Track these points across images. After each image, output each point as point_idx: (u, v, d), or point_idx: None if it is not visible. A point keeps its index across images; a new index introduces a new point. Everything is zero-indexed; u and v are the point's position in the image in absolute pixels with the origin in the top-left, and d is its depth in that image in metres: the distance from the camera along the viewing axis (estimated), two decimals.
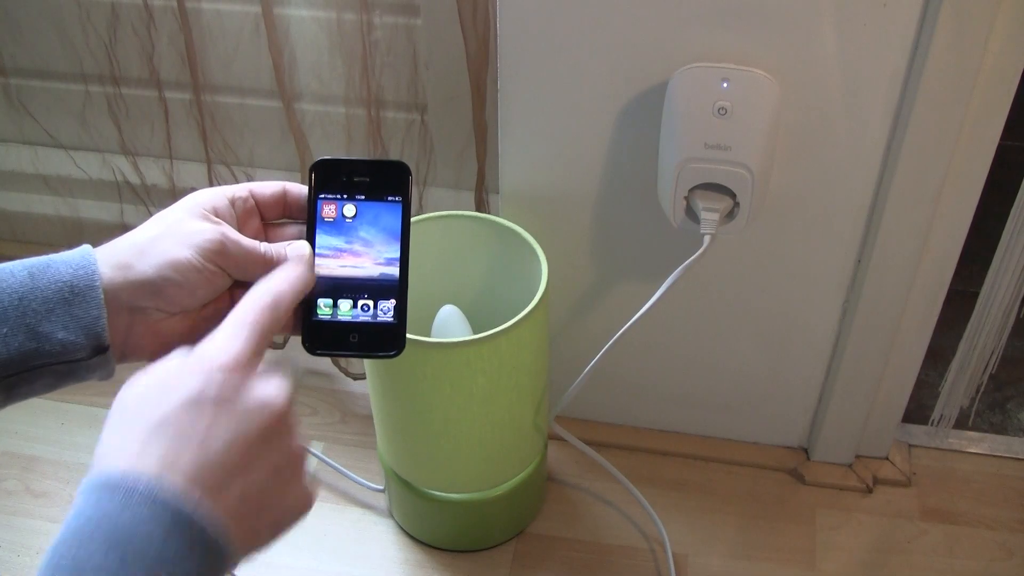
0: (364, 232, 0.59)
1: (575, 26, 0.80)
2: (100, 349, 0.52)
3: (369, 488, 1.05)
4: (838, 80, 0.79)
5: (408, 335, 0.80)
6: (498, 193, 0.94)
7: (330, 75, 1.07)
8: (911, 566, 0.99)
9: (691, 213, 0.83)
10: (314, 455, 1.09)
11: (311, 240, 0.59)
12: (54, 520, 1.03)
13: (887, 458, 1.07)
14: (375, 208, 0.60)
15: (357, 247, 0.59)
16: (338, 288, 0.59)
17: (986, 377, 1.04)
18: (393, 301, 0.59)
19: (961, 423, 1.10)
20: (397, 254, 0.59)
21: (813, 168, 0.84)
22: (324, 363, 1.18)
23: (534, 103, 0.86)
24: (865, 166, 0.84)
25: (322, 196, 0.59)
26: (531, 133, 0.88)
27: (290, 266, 0.56)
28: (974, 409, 1.10)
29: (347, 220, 0.60)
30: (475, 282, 0.97)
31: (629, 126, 0.85)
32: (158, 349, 0.55)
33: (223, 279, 0.56)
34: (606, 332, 0.90)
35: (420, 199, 1.13)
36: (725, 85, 0.77)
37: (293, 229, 0.61)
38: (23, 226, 1.33)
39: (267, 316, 0.52)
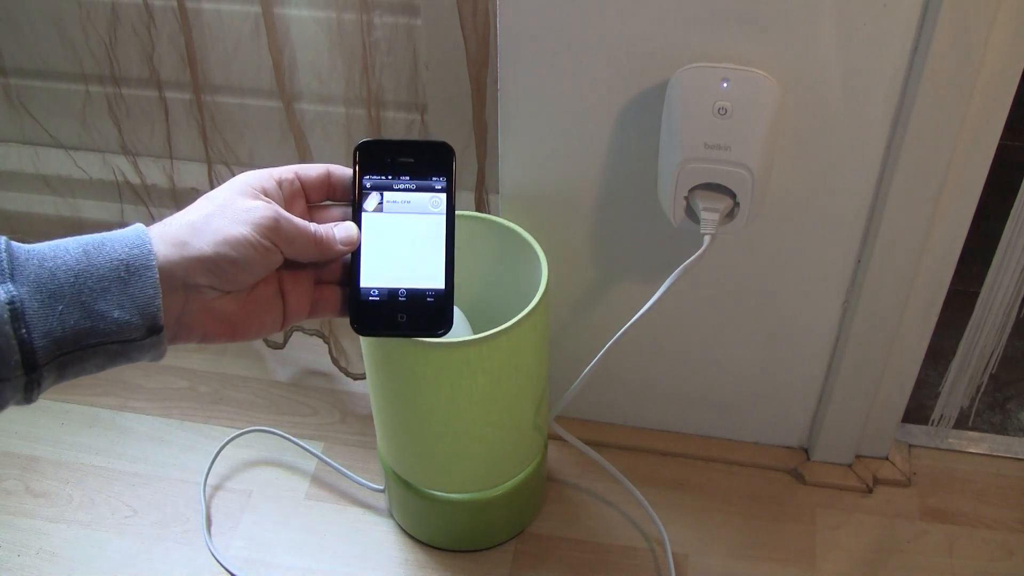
0: (409, 212, 0.59)
1: (575, 26, 0.80)
2: (155, 329, 0.52)
3: (369, 488, 1.05)
4: (838, 80, 0.79)
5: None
6: (498, 193, 0.94)
7: (330, 75, 1.07)
8: (911, 566, 0.99)
9: (691, 213, 0.83)
10: (314, 455, 1.09)
11: (357, 221, 0.59)
12: (54, 520, 1.03)
13: (887, 458, 1.07)
14: (420, 188, 0.60)
15: (403, 227, 0.59)
16: (384, 269, 0.59)
17: (986, 377, 1.04)
18: (440, 280, 0.59)
19: (961, 423, 1.10)
20: (443, 233, 0.59)
21: (813, 168, 0.84)
22: (324, 363, 1.18)
23: (534, 103, 0.86)
24: (865, 166, 0.84)
25: (367, 177, 0.59)
26: (531, 133, 0.88)
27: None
28: (974, 409, 1.10)
29: (392, 201, 0.60)
30: (475, 282, 0.97)
31: (629, 126, 0.85)
32: (209, 330, 0.56)
33: (276, 256, 0.57)
34: (606, 332, 0.90)
35: None
36: (725, 85, 0.77)
37: (337, 211, 0.62)
38: (23, 226, 1.33)
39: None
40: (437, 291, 0.59)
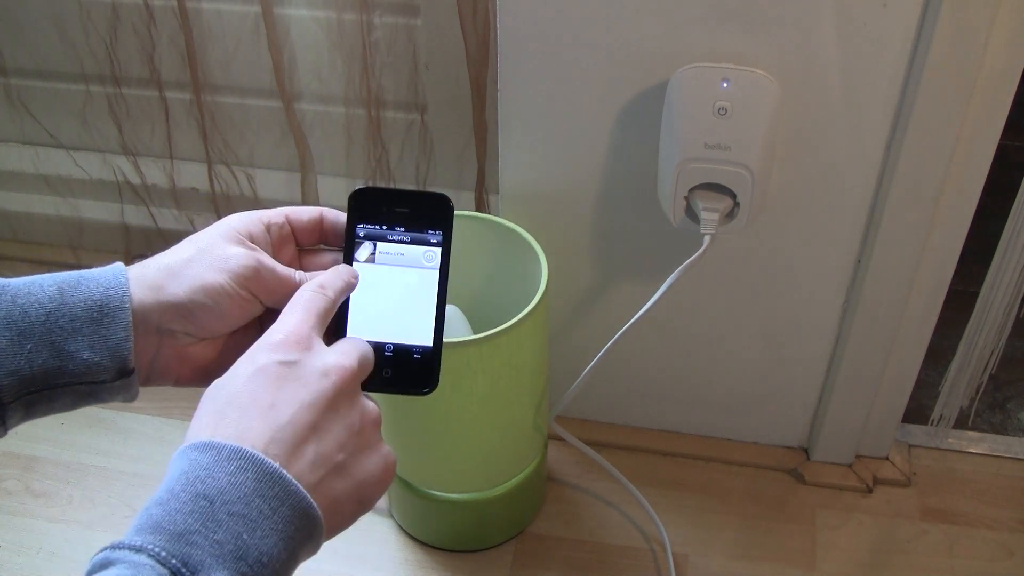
0: (402, 265, 0.58)
1: (575, 26, 0.80)
2: (125, 372, 0.51)
3: None
4: (838, 80, 0.79)
5: None
6: (498, 193, 0.94)
7: (330, 75, 1.07)
8: (911, 566, 0.99)
9: (691, 213, 0.83)
10: None
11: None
12: (54, 520, 1.03)
13: (887, 458, 1.07)
14: (414, 241, 0.58)
15: (394, 280, 0.58)
16: (371, 322, 0.57)
17: (986, 377, 1.04)
18: (429, 337, 0.57)
19: (961, 423, 1.10)
20: (435, 289, 0.57)
21: (813, 168, 0.84)
22: None
23: (534, 103, 0.86)
24: (865, 166, 0.84)
25: (361, 225, 0.58)
26: (531, 133, 0.88)
27: (333, 268, 0.56)
28: (974, 409, 1.10)
29: (385, 253, 0.58)
30: (475, 282, 0.97)
31: (629, 126, 0.85)
32: (184, 375, 0.55)
33: (255, 306, 0.55)
34: (606, 332, 0.90)
35: None
36: (725, 85, 0.77)
37: (328, 257, 0.59)
38: (23, 226, 1.33)
39: (316, 296, 0.52)
40: (424, 348, 0.57)
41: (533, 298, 0.84)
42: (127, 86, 1.16)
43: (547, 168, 0.90)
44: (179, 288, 0.52)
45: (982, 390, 1.05)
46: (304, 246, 0.60)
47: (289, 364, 0.49)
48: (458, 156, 1.12)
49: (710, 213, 0.81)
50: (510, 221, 0.91)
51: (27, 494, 1.05)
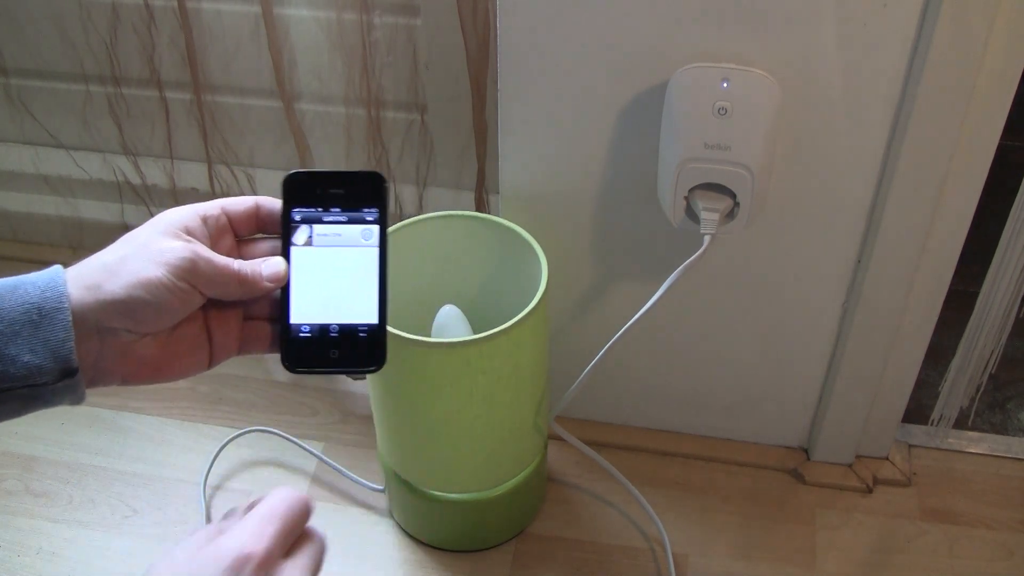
0: (340, 245, 0.59)
1: (575, 26, 0.80)
2: (68, 372, 0.51)
3: (369, 488, 1.05)
4: (838, 80, 0.79)
5: (408, 335, 0.79)
6: (498, 193, 0.94)
7: (330, 75, 1.07)
8: (911, 566, 0.99)
9: (691, 213, 0.83)
10: (314, 455, 1.09)
11: (286, 255, 0.58)
12: (54, 520, 1.03)
13: (887, 458, 1.07)
14: (351, 220, 0.58)
15: (333, 261, 0.58)
16: (315, 304, 0.58)
17: (986, 377, 1.04)
18: (373, 314, 0.58)
19: (961, 423, 1.10)
20: (376, 266, 0.58)
21: (813, 168, 0.84)
22: None
23: (534, 103, 0.86)
24: (865, 166, 0.84)
25: (296, 210, 0.58)
26: (531, 133, 0.88)
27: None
28: (974, 409, 1.10)
29: (322, 235, 0.59)
30: (475, 282, 0.97)
31: (629, 126, 0.85)
32: (130, 372, 0.55)
33: (196, 297, 0.55)
34: (606, 332, 0.90)
35: (420, 199, 1.14)
36: (725, 85, 0.77)
37: (267, 245, 0.60)
38: (24, 226, 1.33)
39: (295, 511, 0.55)
40: (370, 326, 0.57)
41: (533, 298, 0.84)
42: (127, 86, 1.16)
43: (547, 168, 0.90)
44: (117, 285, 0.52)
45: (982, 390, 1.05)
46: (242, 236, 0.60)
47: None
48: (458, 156, 1.12)
49: (710, 213, 0.81)
50: (510, 221, 0.91)
51: (27, 494, 1.05)
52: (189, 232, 0.56)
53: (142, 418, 1.14)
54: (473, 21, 0.94)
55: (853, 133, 0.82)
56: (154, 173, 1.22)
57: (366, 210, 0.58)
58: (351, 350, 0.57)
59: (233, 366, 1.18)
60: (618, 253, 0.95)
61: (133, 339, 0.54)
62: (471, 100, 1.01)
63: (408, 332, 0.80)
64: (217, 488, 1.06)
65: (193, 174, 1.21)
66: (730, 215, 0.82)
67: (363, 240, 0.58)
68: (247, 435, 1.11)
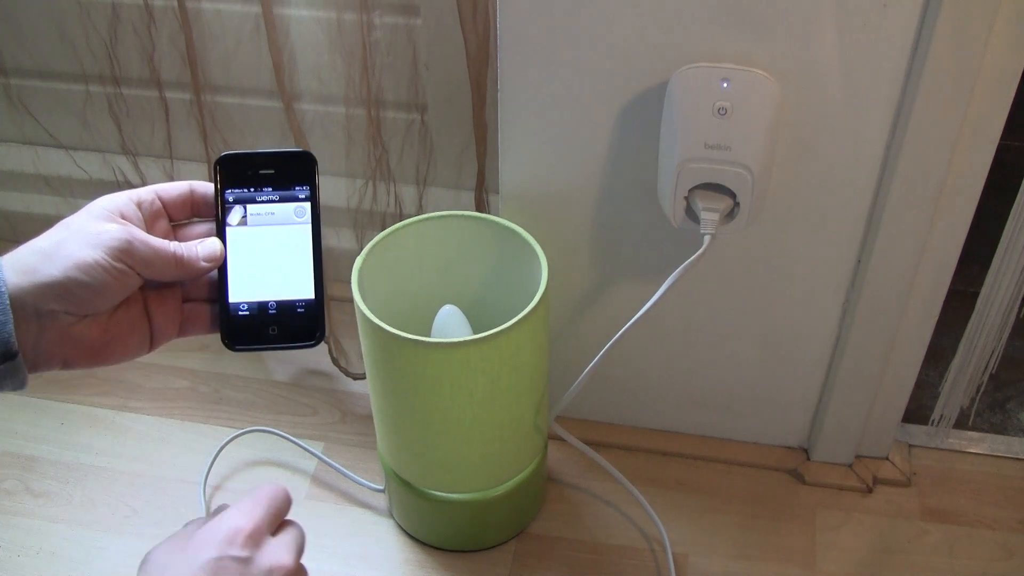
0: (274, 224, 0.60)
1: (575, 26, 0.80)
2: (8, 355, 0.51)
3: (369, 488, 1.05)
4: (838, 80, 0.79)
5: (408, 335, 0.80)
6: (498, 193, 0.94)
7: (330, 75, 1.07)
8: (911, 566, 0.99)
9: (691, 213, 0.83)
10: (314, 455, 1.09)
11: (221, 235, 0.59)
12: (54, 520, 1.03)
13: (887, 458, 1.07)
14: (283, 199, 0.60)
15: (268, 239, 0.60)
16: (252, 282, 0.59)
17: (986, 377, 1.04)
18: (309, 290, 0.59)
19: (961, 423, 1.10)
20: (309, 243, 0.59)
21: (813, 168, 0.85)
22: (324, 363, 1.18)
23: (534, 103, 0.86)
24: (865, 166, 0.84)
25: (229, 191, 0.60)
26: (531, 133, 0.88)
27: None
28: (974, 409, 1.10)
29: (256, 214, 0.60)
30: (475, 282, 0.97)
31: (629, 126, 0.85)
32: (71, 355, 0.55)
33: (133, 279, 0.56)
34: (606, 332, 0.90)
35: (420, 199, 1.14)
36: (725, 85, 0.77)
37: (202, 228, 0.61)
38: (23, 226, 1.33)
39: (279, 498, 0.58)
40: (307, 301, 0.59)
41: (533, 298, 0.84)
42: (127, 86, 1.16)
43: (547, 168, 0.90)
44: (53, 268, 0.53)
45: (982, 390, 1.05)
46: (177, 220, 0.61)
47: (246, 555, 0.53)
48: (458, 156, 1.12)
49: (710, 213, 0.81)
50: (510, 221, 0.91)
51: (27, 494, 1.05)
52: (124, 216, 0.57)
53: (142, 418, 1.14)
54: (473, 21, 0.94)
55: (853, 133, 0.82)
56: (154, 173, 1.22)
57: (298, 188, 0.60)
58: (290, 326, 0.60)
59: (233, 366, 1.19)
60: (618, 253, 0.95)
61: (72, 321, 0.54)
62: (471, 100, 1.01)
63: (408, 332, 0.80)
64: (217, 488, 1.06)
65: (193, 174, 1.21)
66: (730, 215, 0.82)
67: (296, 218, 0.60)
68: (247, 435, 1.11)
